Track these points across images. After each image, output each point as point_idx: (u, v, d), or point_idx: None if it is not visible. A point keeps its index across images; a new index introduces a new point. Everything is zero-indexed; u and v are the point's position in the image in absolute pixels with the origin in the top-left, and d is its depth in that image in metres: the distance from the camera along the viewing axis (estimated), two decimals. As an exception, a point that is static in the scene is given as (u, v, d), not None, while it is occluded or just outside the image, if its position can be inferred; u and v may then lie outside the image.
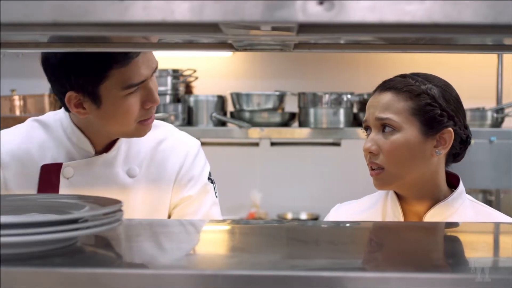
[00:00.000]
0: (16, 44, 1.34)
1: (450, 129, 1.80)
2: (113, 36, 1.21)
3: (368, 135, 1.86)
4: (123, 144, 1.94)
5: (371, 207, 1.96)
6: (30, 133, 1.94)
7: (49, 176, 1.88)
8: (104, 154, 1.91)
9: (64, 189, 1.87)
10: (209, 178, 2.03)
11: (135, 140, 1.94)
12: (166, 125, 2.06)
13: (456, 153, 1.88)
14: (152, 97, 1.81)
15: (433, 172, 1.83)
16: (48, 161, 1.89)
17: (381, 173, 1.81)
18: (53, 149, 1.91)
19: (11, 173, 1.89)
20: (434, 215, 1.83)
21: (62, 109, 1.92)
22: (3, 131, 1.98)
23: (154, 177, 1.95)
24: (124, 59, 1.73)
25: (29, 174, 1.89)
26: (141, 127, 1.84)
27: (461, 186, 1.88)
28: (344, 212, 2.02)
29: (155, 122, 1.96)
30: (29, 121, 1.99)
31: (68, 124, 1.90)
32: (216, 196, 2.04)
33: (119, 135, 1.90)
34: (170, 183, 1.96)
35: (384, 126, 1.81)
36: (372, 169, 1.83)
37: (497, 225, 1.70)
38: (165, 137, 1.99)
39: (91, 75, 1.74)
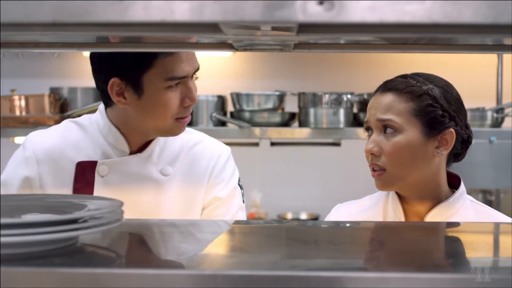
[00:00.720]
0: (16, 44, 1.34)
1: (452, 129, 1.80)
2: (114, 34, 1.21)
3: (369, 136, 1.85)
4: (157, 146, 1.98)
5: (372, 207, 1.96)
6: (66, 133, 1.99)
7: (84, 174, 1.92)
8: (139, 154, 1.95)
9: (99, 187, 1.92)
10: (238, 184, 2.09)
11: (169, 142, 2.00)
12: (197, 132, 2.13)
13: (457, 153, 1.88)
14: (192, 95, 1.87)
15: (435, 172, 1.83)
16: (84, 159, 1.94)
17: (383, 174, 1.81)
18: (88, 148, 1.95)
19: (46, 171, 1.93)
20: (436, 215, 1.83)
21: (98, 112, 1.98)
22: (40, 131, 2.04)
23: (187, 177, 2.00)
24: None
25: (64, 171, 1.93)
26: (177, 125, 1.89)
27: (462, 187, 1.88)
28: (345, 212, 2.02)
29: (186, 128, 2.00)
30: (66, 122, 2.04)
31: (104, 123, 1.95)
32: (243, 202, 2.10)
33: (155, 132, 1.93)
34: (203, 183, 2.01)
35: (385, 127, 1.80)
36: (374, 170, 1.83)
37: (497, 225, 1.70)
38: (198, 141, 2.06)
39: (137, 63, 1.79)
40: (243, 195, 2.10)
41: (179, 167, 1.99)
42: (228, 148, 2.12)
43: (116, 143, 1.94)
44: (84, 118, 2.02)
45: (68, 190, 1.91)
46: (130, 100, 1.84)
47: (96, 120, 1.97)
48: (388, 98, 1.81)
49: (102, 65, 1.86)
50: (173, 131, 1.91)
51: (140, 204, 1.92)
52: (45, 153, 1.94)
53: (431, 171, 1.82)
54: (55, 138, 1.98)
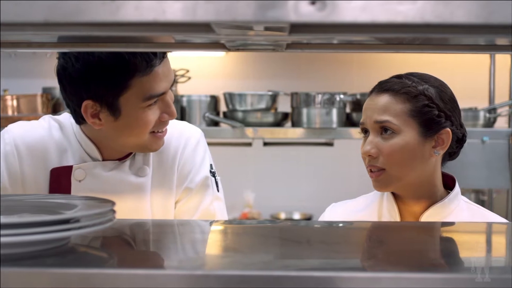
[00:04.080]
0: (8, 43, 1.34)
1: (448, 129, 1.80)
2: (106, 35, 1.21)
3: (365, 137, 1.85)
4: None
5: (367, 207, 1.96)
6: (50, 131, 1.88)
7: (59, 180, 1.83)
8: (116, 161, 1.88)
9: (76, 192, 1.83)
10: (210, 171, 1.98)
11: None
12: None
13: (452, 152, 1.88)
14: (170, 110, 1.79)
15: (431, 172, 1.84)
16: (63, 163, 1.85)
17: (382, 174, 1.80)
18: (68, 151, 1.86)
19: (27, 167, 1.83)
20: (431, 216, 1.83)
21: None
22: (22, 123, 1.91)
23: (162, 172, 1.92)
24: (146, 67, 1.70)
25: (43, 174, 1.84)
26: (154, 140, 1.81)
27: (457, 187, 1.89)
28: (340, 211, 2.02)
29: None
30: (48, 118, 1.93)
31: (79, 133, 1.86)
32: (218, 190, 1.99)
33: (131, 149, 1.86)
34: (174, 174, 1.93)
35: (382, 128, 1.80)
36: (371, 172, 1.82)
37: (492, 225, 1.70)
38: None
39: (112, 85, 1.71)
40: (217, 183, 1.99)
41: (154, 163, 1.91)
42: (197, 130, 2.02)
43: (90, 151, 1.86)
44: (65, 117, 1.91)
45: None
46: (105, 121, 1.76)
47: (72, 123, 1.88)
48: (384, 99, 1.81)
49: (74, 88, 1.75)
50: (151, 146, 1.82)
51: (122, 210, 1.82)
52: (27, 148, 1.84)
53: (427, 170, 1.83)
54: (40, 135, 1.87)
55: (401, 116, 1.79)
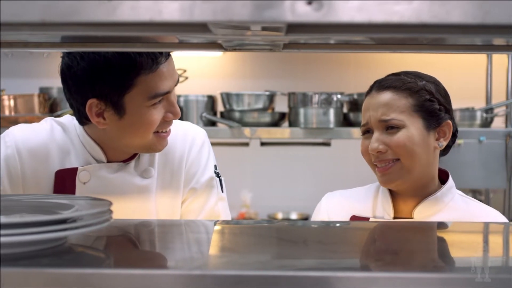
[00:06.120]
0: (5, 43, 1.34)
1: (449, 121, 1.85)
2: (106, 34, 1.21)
3: (366, 136, 1.86)
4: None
5: (362, 199, 1.96)
6: (52, 134, 1.87)
7: (64, 182, 1.82)
8: (120, 162, 1.88)
9: (81, 194, 1.80)
10: (215, 172, 1.99)
11: None
12: None
13: (447, 146, 1.90)
14: (175, 109, 1.80)
15: (433, 166, 1.87)
16: (66, 165, 1.84)
17: (394, 166, 1.81)
18: (71, 154, 1.85)
19: (29, 171, 1.82)
20: (423, 209, 1.85)
21: None
22: (24, 125, 1.91)
23: (168, 172, 1.92)
24: (151, 65, 1.70)
25: (45, 177, 1.83)
26: (158, 140, 1.80)
27: (450, 181, 1.91)
28: (336, 201, 2.00)
29: None
30: (50, 120, 1.92)
31: (83, 135, 1.86)
32: (223, 191, 2.00)
33: (135, 149, 1.85)
34: (181, 175, 1.93)
35: (387, 126, 1.81)
36: (379, 166, 1.83)
37: (492, 225, 1.70)
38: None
39: (117, 83, 1.70)
40: (221, 183, 2.00)
41: (159, 165, 1.91)
42: (201, 131, 2.02)
43: (94, 153, 1.85)
44: (67, 119, 1.91)
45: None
46: (110, 120, 1.75)
47: (76, 125, 1.87)
48: (387, 96, 1.83)
49: (78, 86, 1.74)
50: (155, 147, 1.82)
51: (126, 211, 1.80)
52: (29, 151, 1.83)
53: (432, 164, 1.85)
54: (42, 137, 1.86)
55: (405, 111, 1.82)
